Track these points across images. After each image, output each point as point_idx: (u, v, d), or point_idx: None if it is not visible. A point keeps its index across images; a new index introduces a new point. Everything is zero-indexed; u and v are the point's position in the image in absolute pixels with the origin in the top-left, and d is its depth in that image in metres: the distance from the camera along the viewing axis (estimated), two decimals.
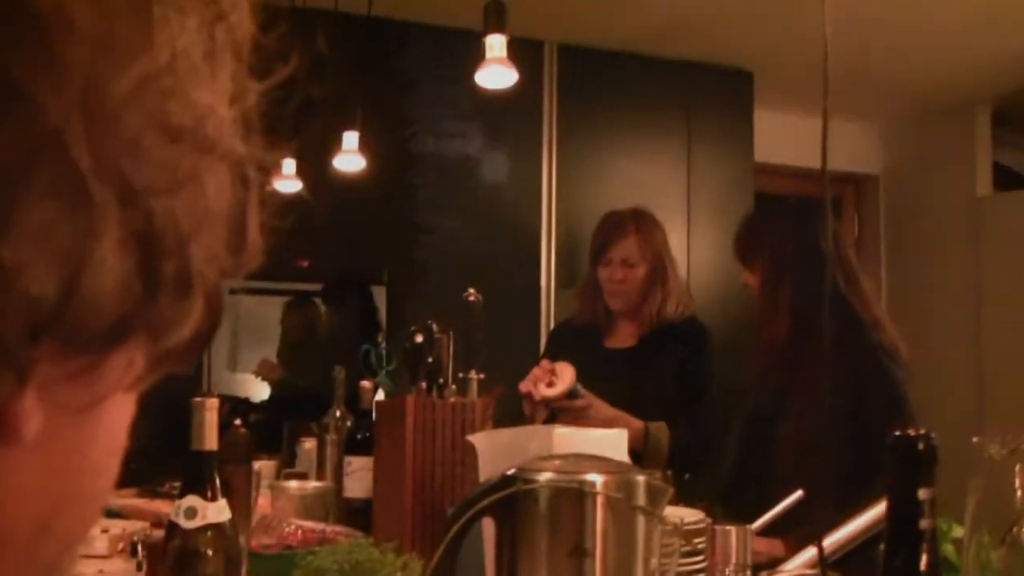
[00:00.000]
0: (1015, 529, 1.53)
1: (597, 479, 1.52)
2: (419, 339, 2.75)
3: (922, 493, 1.21)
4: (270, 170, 0.47)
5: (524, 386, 3.40)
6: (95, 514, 0.48)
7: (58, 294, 0.38)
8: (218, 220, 0.44)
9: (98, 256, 0.39)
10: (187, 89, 0.42)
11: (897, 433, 1.23)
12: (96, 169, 0.38)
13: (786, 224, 3.39)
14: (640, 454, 3.41)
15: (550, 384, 3.34)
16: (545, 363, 3.43)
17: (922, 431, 1.23)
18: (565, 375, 3.35)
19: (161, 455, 3.63)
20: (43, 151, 0.37)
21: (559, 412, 3.39)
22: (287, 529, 2.53)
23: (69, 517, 0.45)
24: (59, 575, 0.46)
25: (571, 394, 3.35)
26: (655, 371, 3.77)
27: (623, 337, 3.90)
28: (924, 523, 1.21)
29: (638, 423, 3.50)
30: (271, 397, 5.15)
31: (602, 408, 3.40)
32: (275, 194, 0.49)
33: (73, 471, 0.45)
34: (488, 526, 1.67)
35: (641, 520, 1.54)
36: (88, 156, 0.38)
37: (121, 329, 0.41)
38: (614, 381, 3.52)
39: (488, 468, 2.02)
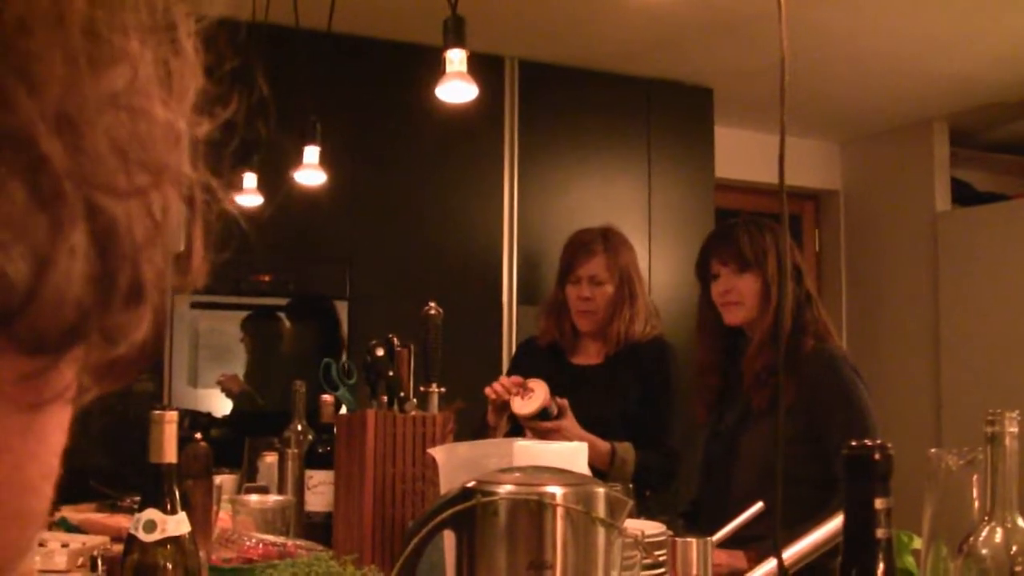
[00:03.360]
0: (972, 539, 1.54)
1: (557, 491, 1.53)
2: (380, 353, 2.75)
3: (878, 503, 1.22)
4: (217, 194, 0.49)
5: (492, 394, 3.39)
6: (34, 532, 0.48)
7: (29, 281, 0.39)
8: (165, 238, 0.45)
9: (65, 252, 0.40)
10: (143, 112, 0.43)
11: (853, 443, 1.24)
12: (68, 170, 0.40)
13: (777, 236, 3.30)
14: (606, 475, 3.41)
15: (524, 397, 3.34)
16: (517, 377, 3.42)
17: (878, 441, 1.24)
18: (539, 393, 3.34)
19: (121, 470, 3.62)
20: (20, 144, 0.39)
21: (530, 430, 3.38)
22: (247, 543, 2.53)
23: (11, 534, 0.46)
24: None
25: (544, 412, 3.34)
26: (621, 389, 3.76)
27: (590, 355, 3.89)
28: (880, 532, 1.22)
29: (604, 445, 3.49)
30: (232, 412, 5.13)
31: (571, 432, 3.37)
32: (223, 216, 0.50)
33: (16, 489, 0.45)
34: (448, 539, 1.67)
35: (601, 532, 1.55)
36: (61, 156, 0.40)
37: (76, 331, 0.42)
38: (580, 398, 3.50)
39: (449, 481, 2.02)
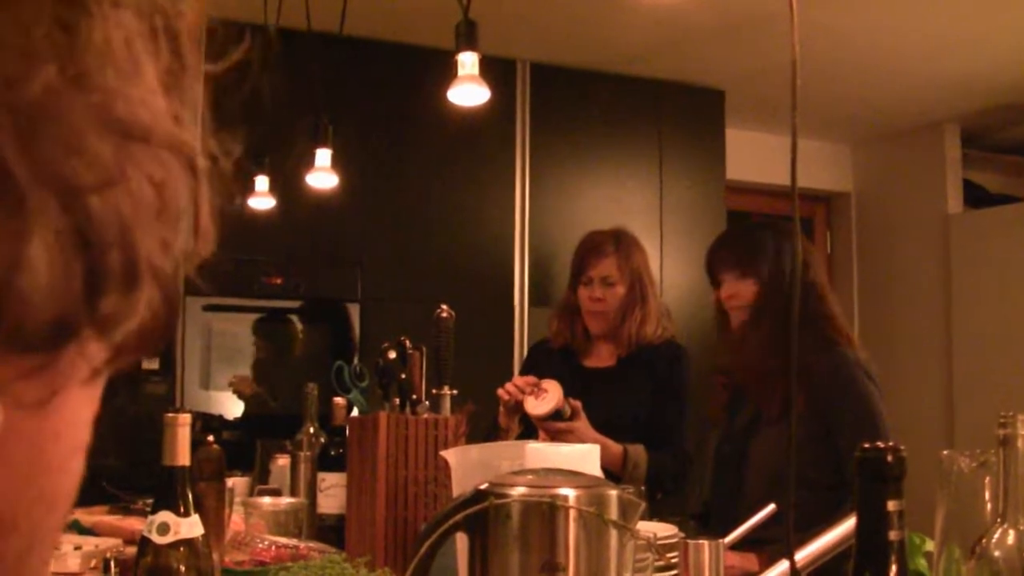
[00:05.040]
0: (984, 541, 1.54)
1: (569, 493, 1.53)
2: (392, 356, 2.75)
3: (891, 505, 1.22)
4: (219, 157, 0.48)
5: (505, 395, 3.39)
6: (62, 513, 0.47)
7: None
8: (166, 209, 0.44)
9: (31, 257, 0.39)
10: (123, 81, 0.42)
11: (865, 445, 1.24)
12: (31, 170, 0.39)
13: (780, 239, 3.33)
14: (619, 477, 3.41)
15: (538, 398, 3.33)
16: (531, 377, 3.42)
17: (890, 443, 1.24)
18: (553, 393, 3.33)
19: (134, 473, 3.63)
20: None
21: (543, 430, 3.38)
22: (260, 545, 2.53)
23: (35, 515, 0.45)
24: (26, 572, 0.46)
25: (557, 413, 3.34)
26: (633, 391, 3.76)
27: (602, 357, 3.89)
28: (893, 535, 1.22)
29: (617, 447, 3.49)
30: (244, 414, 5.14)
31: (584, 434, 3.37)
32: (227, 179, 0.49)
33: (37, 470, 0.45)
34: (461, 541, 1.67)
35: (614, 535, 1.55)
36: (20, 158, 0.38)
37: (67, 326, 0.41)
38: (592, 400, 3.50)
39: (461, 483, 2.03)
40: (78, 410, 0.47)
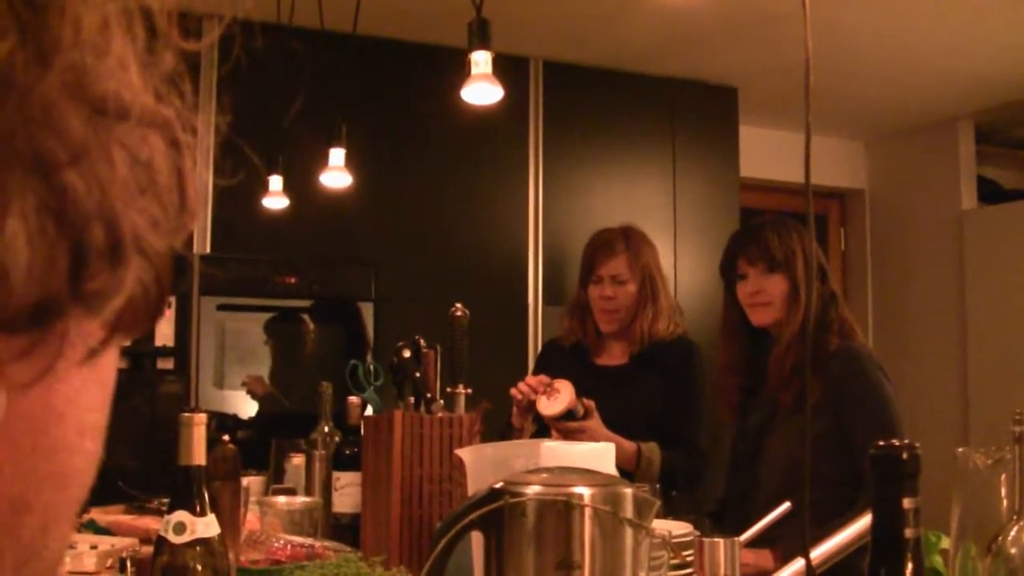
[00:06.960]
0: (1000, 539, 1.54)
1: (584, 492, 1.53)
2: (406, 354, 2.75)
3: (906, 502, 1.22)
4: (196, 129, 0.47)
5: (518, 394, 3.39)
6: (76, 491, 0.47)
7: None
8: (152, 186, 0.44)
9: (8, 234, 0.38)
10: (96, 59, 0.42)
11: (880, 443, 1.24)
12: (4, 150, 0.38)
13: (804, 235, 3.30)
14: (632, 476, 3.40)
15: (550, 397, 3.33)
16: (543, 376, 3.41)
17: (905, 441, 1.24)
18: (565, 393, 3.33)
19: (149, 472, 3.64)
20: None
21: (556, 430, 3.37)
22: (275, 544, 2.53)
23: (46, 495, 0.45)
24: (45, 552, 0.46)
25: (569, 413, 3.33)
26: (646, 389, 3.75)
27: (614, 355, 3.89)
28: (909, 532, 1.22)
29: (631, 445, 3.48)
30: (259, 413, 5.14)
31: (596, 433, 3.36)
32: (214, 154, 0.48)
33: (44, 450, 0.44)
34: (476, 540, 1.68)
35: (629, 533, 1.55)
36: None
37: (51, 303, 0.40)
38: (605, 398, 3.50)
39: (476, 482, 2.03)
40: (81, 390, 0.46)
